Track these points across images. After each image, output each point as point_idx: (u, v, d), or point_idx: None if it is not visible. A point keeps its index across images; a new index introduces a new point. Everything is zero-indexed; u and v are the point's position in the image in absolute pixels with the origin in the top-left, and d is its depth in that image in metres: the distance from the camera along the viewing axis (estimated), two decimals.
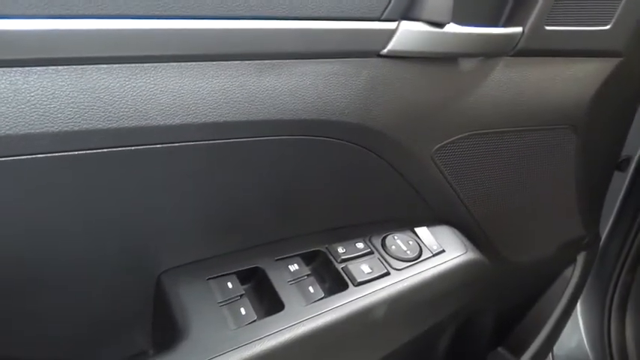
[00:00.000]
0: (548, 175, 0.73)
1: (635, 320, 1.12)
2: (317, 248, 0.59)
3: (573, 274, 0.90)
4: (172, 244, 0.52)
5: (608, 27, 0.63)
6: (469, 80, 0.58)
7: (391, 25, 0.50)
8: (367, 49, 0.50)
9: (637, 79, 0.76)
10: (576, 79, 0.65)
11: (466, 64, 0.57)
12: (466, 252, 0.64)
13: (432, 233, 0.65)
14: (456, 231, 0.67)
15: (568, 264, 0.90)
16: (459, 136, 0.61)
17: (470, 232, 0.68)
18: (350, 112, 0.51)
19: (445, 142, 0.60)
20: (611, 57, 0.67)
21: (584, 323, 1.19)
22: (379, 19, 0.49)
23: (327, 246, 0.59)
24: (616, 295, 1.13)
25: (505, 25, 0.57)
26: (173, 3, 0.40)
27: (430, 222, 0.66)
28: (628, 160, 1.01)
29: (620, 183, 1.07)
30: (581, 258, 0.90)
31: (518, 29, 0.57)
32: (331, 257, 0.58)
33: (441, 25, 0.51)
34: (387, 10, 0.49)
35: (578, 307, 1.21)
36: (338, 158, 0.55)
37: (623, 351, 1.10)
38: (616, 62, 0.68)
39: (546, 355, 1.04)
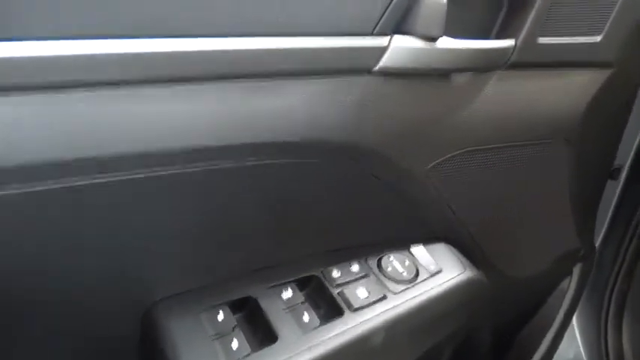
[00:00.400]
0: (542, 189, 0.72)
1: (631, 328, 1.11)
2: (311, 273, 0.57)
3: (570, 286, 0.89)
4: (161, 275, 0.50)
5: (599, 38, 0.62)
6: (463, 95, 0.56)
7: (383, 41, 0.48)
8: (359, 66, 0.48)
9: (628, 89, 0.75)
10: (569, 91, 0.64)
11: (460, 79, 0.55)
12: (464, 270, 0.62)
13: (429, 252, 0.63)
14: (452, 249, 0.65)
15: (564, 276, 0.88)
16: (454, 153, 0.59)
17: (467, 249, 0.66)
18: (342, 131, 0.49)
19: (440, 160, 0.59)
20: (602, 68, 0.66)
21: (581, 333, 1.18)
22: (371, 35, 0.47)
23: (321, 270, 0.57)
24: (612, 304, 1.12)
25: (497, 38, 0.56)
26: (149, 22, 0.38)
27: (427, 240, 0.64)
28: (619, 169, 1.01)
29: (612, 192, 1.07)
30: (577, 270, 0.89)
31: (511, 42, 0.56)
32: (326, 282, 0.56)
33: (433, 39, 0.49)
34: (378, 25, 0.47)
35: (575, 317, 1.20)
36: (331, 179, 0.53)
37: (619, 357, 1.09)
38: (608, 73, 0.67)
39: None
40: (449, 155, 0.59)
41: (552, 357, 0.99)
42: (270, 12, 0.43)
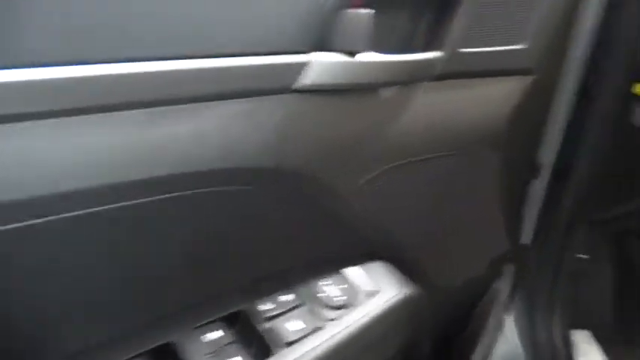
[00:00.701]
0: (471, 195, 0.72)
1: (561, 321, 1.16)
2: (239, 308, 0.52)
3: (502, 287, 0.90)
4: (65, 329, 0.43)
5: (521, 46, 0.63)
6: (390, 110, 0.54)
7: (303, 58, 0.44)
8: (278, 85, 0.44)
9: (548, 94, 0.77)
10: (493, 99, 0.64)
11: (386, 93, 0.53)
12: (402, 288, 0.60)
13: (366, 272, 0.60)
14: (390, 266, 0.63)
15: (496, 277, 0.90)
16: (385, 167, 0.57)
17: (404, 265, 0.64)
18: (263, 155, 0.45)
19: (371, 176, 0.56)
20: (524, 75, 0.66)
21: (516, 329, 1.21)
22: (289, 52, 0.44)
23: (250, 304, 0.52)
24: (543, 299, 1.16)
25: (423, 50, 0.54)
26: (44, 47, 0.32)
27: (362, 260, 0.61)
28: (541, 168, 1.04)
29: (537, 190, 1.10)
30: (507, 270, 0.90)
31: (437, 53, 0.54)
32: (255, 317, 0.52)
33: (355, 54, 0.46)
34: (297, 42, 0.44)
35: (514, 315, 1.23)
36: (255, 206, 0.49)
37: (554, 349, 1.13)
38: (530, 79, 0.67)
39: None
40: (379, 171, 0.56)
41: (489, 356, 1.01)
42: (179, 32, 0.38)
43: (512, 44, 0.62)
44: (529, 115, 0.74)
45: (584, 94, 0.98)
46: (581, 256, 1.15)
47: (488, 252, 0.82)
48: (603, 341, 1.19)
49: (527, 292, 1.17)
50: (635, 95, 0.91)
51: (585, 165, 1.01)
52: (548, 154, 1.06)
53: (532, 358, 1.14)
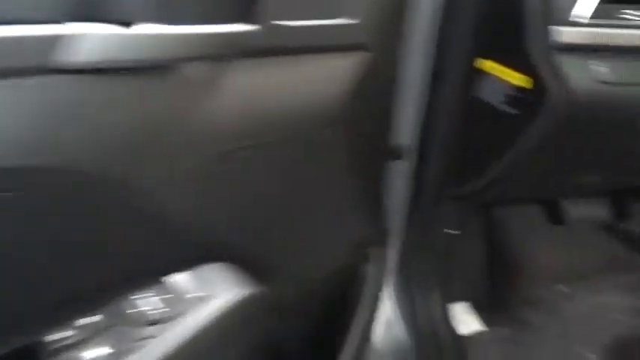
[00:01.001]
0: (318, 182, 0.68)
1: (439, 296, 1.18)
2: (31, 340, 0.43)
3: (368, 271, 0.88)
4: None
5: (352, 20, 0.59)
6: (192, 91, 0.47)
7: (63, 29, 0.36)
8: (31, 64, 0.36)
9: (390, 72, 0.75)
10: (326, 78, 0.60)
11: (184, 72, 0.46)
12: (242, 290, 0.54)
13: (197, 277, 0.54)
14: (227, 267, 0.56)
15: (361, 263, 0.87)
16: (199, 157, 0.50)
17: (245, 264, 0.58)
18: (24, 153, 0.37)
19: (188, 167, 0.49)
20: (360, 51, 0.63)
21: (396, 309, 1.22)
22: (44, 22, 0.36)
23: (44, 333, 0.43)
24: (419, 277, 1.17)
25: (229, 22, 0.48)
26: None
27: (189, 265, 0.54)
28: (403, 149, 1.04)
29: (403, 171, 1.11)
30: (373, 253, 0.89)
31: (247, 27, 0.48)
32: (51, 349, 0.43)
33: (128, 25, 0.39)
34: (55, 9, 0.36)
35: (392, 296, 1.24)
36: (31, 215, 0.40)
37: (434, 324, 1.14)
38: (367, 56, 0.64)
39: (363, 354, 1.03)
40: (192, 162, 0.49)
41: (366, 344, 0.99)
42: None
43: (342, 18, 0.59)
44: (373, 95, 0.71)
45: (434, 72, 0.99)
46: (451, 231, 1.18)
47: (348, 238, 0.79)
48: (481, 310, 1.23)
49: (403, 272, 1.18)
50: (480, 71, 0.94)
51: (442, 142, 1.03)
52: (407, 134, 1.06)
53: (414, 336, 1.15)
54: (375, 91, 0.71)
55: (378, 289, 0.94)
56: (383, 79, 0.73)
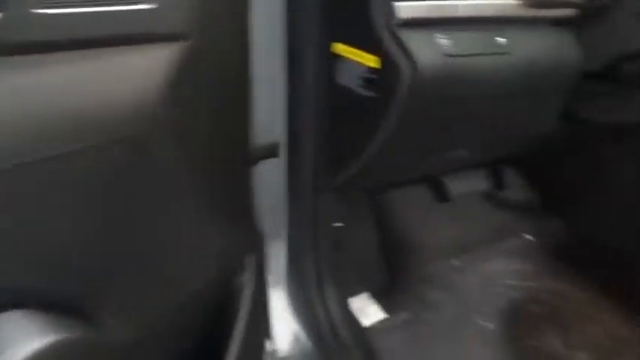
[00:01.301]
0: (163, 194, 0.60)
1: (335, 291, 1.14)
2: None
3: (245, 280, 0.82)
4: None
5: (151, 6, 0.52)
6: None
7: None
8: None
9: (228, 61, 0.68)
10: (134, 74, 0.52)
11: None
12: (47, 337, 0.45)
13: None
14: (32, 314, 0.47)
15: (234, 274, 0.81)
16: None
17: (59, 307, 0.49)
18: None
19: None
20: (174, 41, 0.56)
21: (294, 312, 1.17)
22: None
23: None
24: (312, 276, 1.13)
25: None
26: None
27: None
28: (274, 146, 0.99)
29: (279, 168, 1.06)
30: (248, 261, 0.82)
31: None
32: None
33: None
34: None
35: (287, 299, 1.18)
36: None
37: (333, 321, 1.11)
38: (186, 46, 0.57)
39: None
40: None
41: (255, 347, 0.93)
42: None
43: (140, 4, 0.51)
44: (201, 89, 0.63)
45: (289, 60, 0.95)
46: (338, 224, 1.15)
47: (212, 253, 0.72)
48: (381, 297, 1.22)
49: (294, 273, 1.13)
50: (336, 55, 0.91)
51: (310, 134, 0.99)
52: (274, 129, 1.01)
53: (314, 337, 1.11)
54: (207, 85, 0.63)
55: (259, 296, 0.88)
56: (220, 71, 0.65)
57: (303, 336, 1.15)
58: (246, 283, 0.83)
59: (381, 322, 1.18)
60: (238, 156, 0.79)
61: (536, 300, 1.20)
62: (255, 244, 0.85)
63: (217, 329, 0.84)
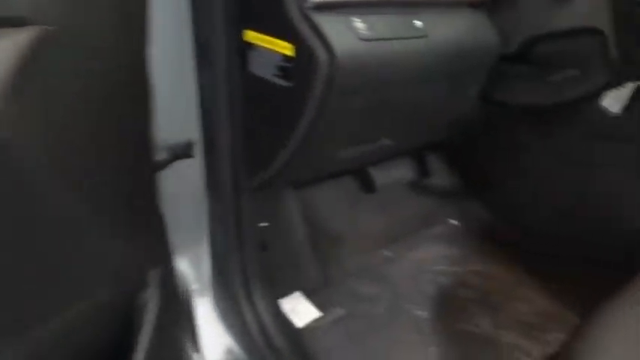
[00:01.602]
0: (33, 203, 0.49)
1: (263, 294, 1.08)
2: None
3: (150, 295, 0.73)
4: None
5: None
6: None
7: None
8: None
9: (93, 51, 0.57)
10: None
11: None
12: None
13: None
14: None
15: (140, 288, 0.72)
16: None
17: None
18: None
19: None
20: (18, 26, 0.45)
21: (223, 320, 1.10)
22: None
23: None
24: (237, 281, 1.07)
25: None
26: None
27: None
28: (188, 145, 0.91)
29: (196, 171, 0.98)
30: (152, 275, 0.74)
31: None
32: None
33: None
34: None
35: (214, 307, 1.11)
36: None
37: (263, 325, 1.05)
38: (34, 31, 0.46)
39: None
40: None
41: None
42: None
43: None
44: (80, 84, 0.53)
45: (198, 51, 0.87)
46: (263, 224, 1.09)
47: (105, 273, 0.62)
48: (313, 296, 1.18)
49: (220, 280, 1.06)
50: (248, 43, 0.84)
51: (226, 130, 0.91)
52: (188, 127, 0.93)
53: (244, 344, 1.05)
54: (77, 78, 0.53)
55: (170, 308, 0.80)
56: (99, 62, 0.55)
57: (234, 346, 1.08)
58: (150, 298, 0.75)
59: (316, 321, 1.14)
60: (137, 159, 0.69)
61: (464, 284, 1.21)
62: (161, 257, 0.76)
63: (122, 349, 0.75)
